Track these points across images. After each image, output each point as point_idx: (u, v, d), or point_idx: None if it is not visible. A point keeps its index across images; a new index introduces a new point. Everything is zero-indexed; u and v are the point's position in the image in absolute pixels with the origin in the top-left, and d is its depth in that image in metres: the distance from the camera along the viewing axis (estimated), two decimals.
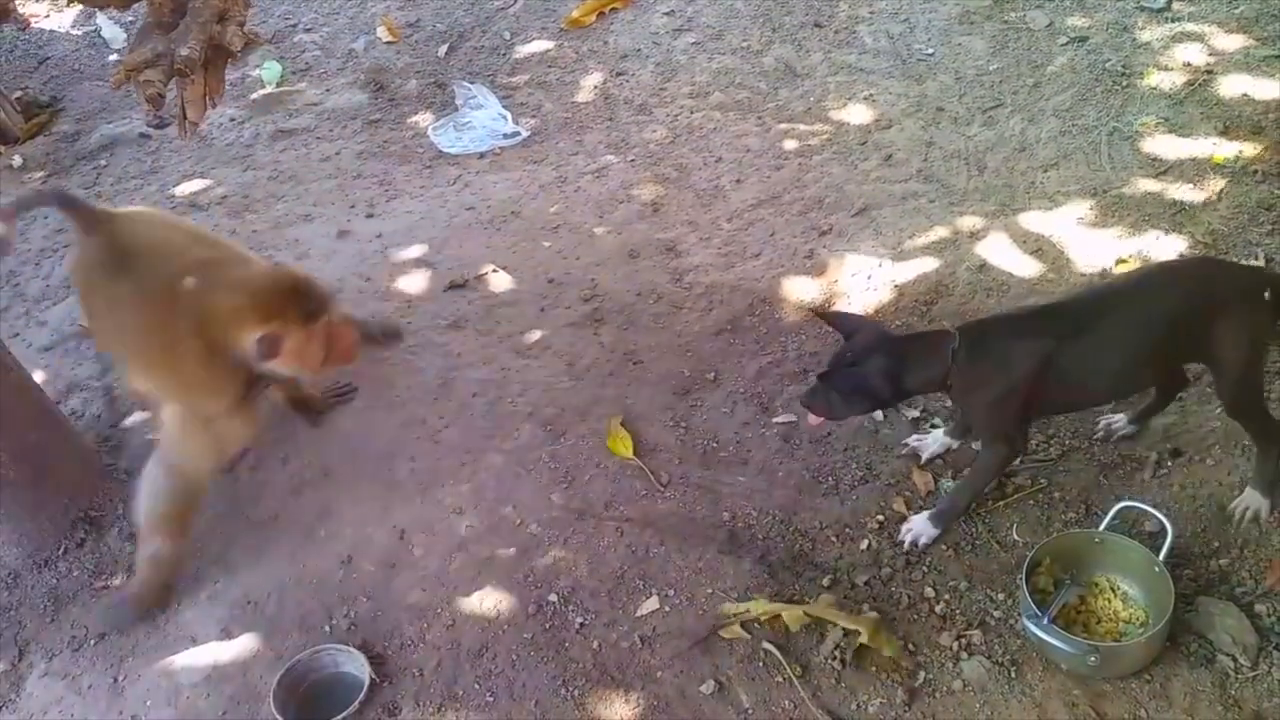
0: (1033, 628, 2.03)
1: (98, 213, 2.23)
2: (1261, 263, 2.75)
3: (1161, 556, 2.06)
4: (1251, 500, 2.21)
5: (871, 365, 2.06)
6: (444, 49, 4.30)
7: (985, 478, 2.25)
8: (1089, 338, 2.04)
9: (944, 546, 2.27)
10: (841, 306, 2.88)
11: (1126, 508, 2.18)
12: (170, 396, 2.25)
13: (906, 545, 2.26)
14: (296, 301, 2.08)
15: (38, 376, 2.80)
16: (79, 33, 4.79)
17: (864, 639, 2.07)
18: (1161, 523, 2.11)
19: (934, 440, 2.44)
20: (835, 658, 2.10)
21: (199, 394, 2.21)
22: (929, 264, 2.97)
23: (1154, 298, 2.10)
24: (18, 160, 4.01)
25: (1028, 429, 2.21)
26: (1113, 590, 2.15)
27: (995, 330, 2.13)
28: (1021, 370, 2.06)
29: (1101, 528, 2.15)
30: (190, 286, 2.08)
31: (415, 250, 3.31)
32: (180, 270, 2.12)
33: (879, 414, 2.57)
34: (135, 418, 2.86)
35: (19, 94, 4.31)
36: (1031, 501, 2.34)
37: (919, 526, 2.26)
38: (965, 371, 2.06)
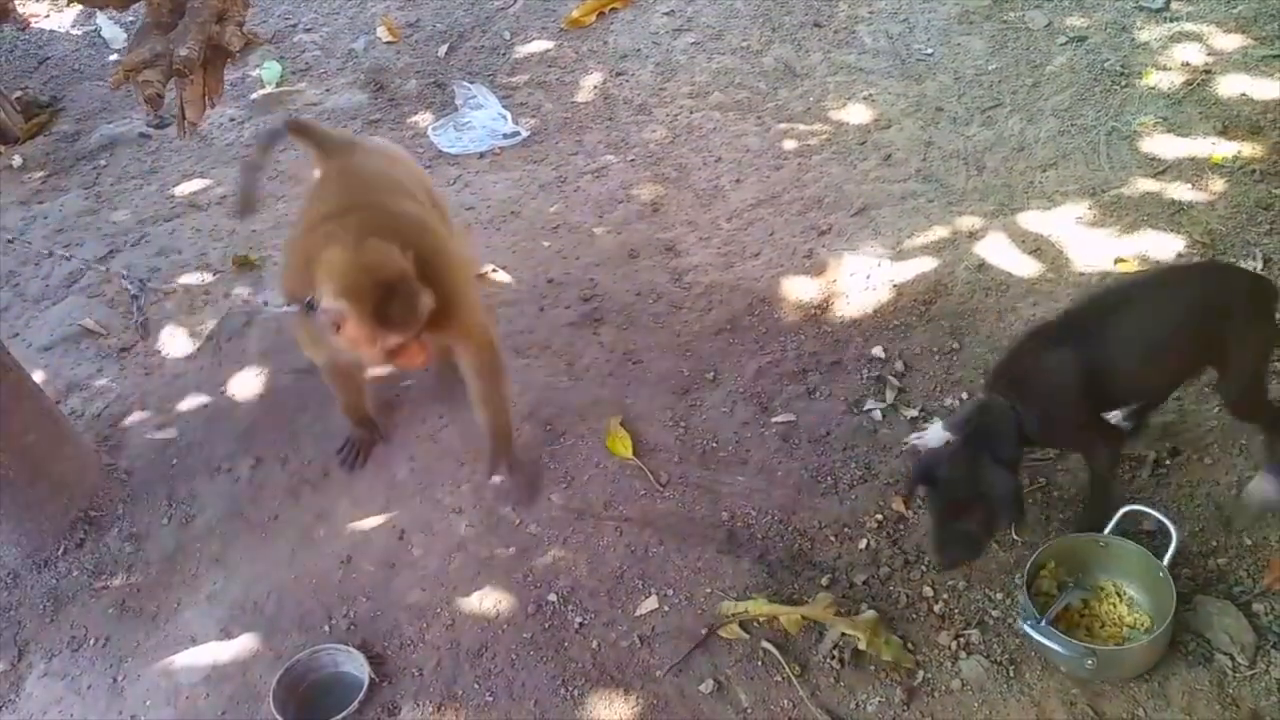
0: (1028, 629, 2.01)
1: (335, 141, 2.52)
2: (1260, 263, 2.75)
3: (1165, 562, 2.04)
4: (1268, 486, 2.19)
5: (999, 483, 2.00)
6: (444, 49, 4.31)
7: (1106, 484, 2.22)
8: (1115, 340, 2.04)
9: None
10: (840, 306, 2.88)
11: (1132, 511, 2.16)
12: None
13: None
14: (378, 300, 2.01)
15: (37, 376, 2.80)
16: (79, 33, 4.79)
17: (861, 644, 2.08)
18: (1166, 527, 2.09)
19: (933, 434, 2.44)
20: (834, 657, 2.10)
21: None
22: (928, 263, 2.97)
23: (1173, 297, 2.11)
24: (18, 160, 4.02)
25: (1105, 419, 2.20)
26: (1118, 595, 2.13)
27: (1032, 369, 2.09)
28: (1073, 389, 2.04)
29: (1107, 531, 2.14)
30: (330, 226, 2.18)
31: None
32: (357, 202, 2.25)
33: (877, 414, 2.58)
34: (134, 417, 2.87)
35: (19, 94, 4.31)
36: (1030, 500, 2.33)
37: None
38: (1035, 419, 2.04)
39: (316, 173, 2.52)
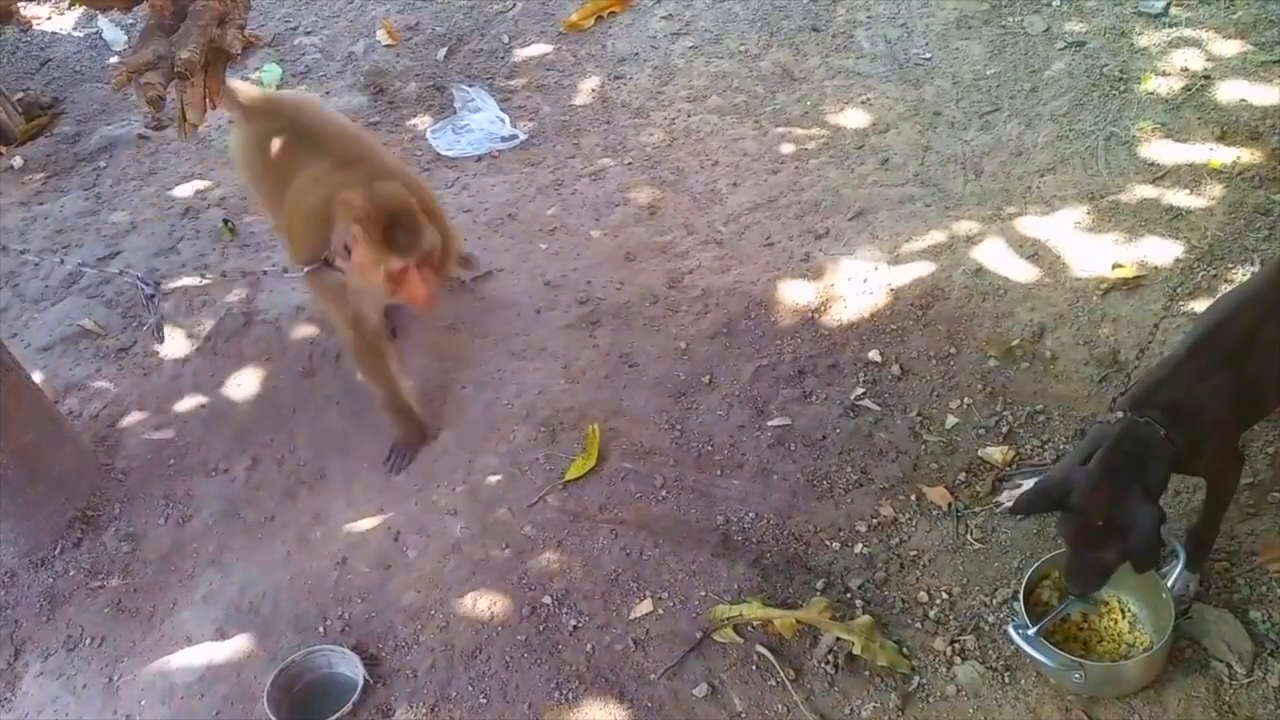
0: (1015, 637, 1.97)
1: (255, 100, 2.70)
2: (1257, 268, 2.75)
3: (1170, 583, 2.01)
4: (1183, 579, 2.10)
5: (1141, 516, 1.85)
6: (443, 52, 4.31)
7: (1227, 506, 2.10)
8: (1257, 349, 1.95)
9: (939, 550, 2.27)
10: (837, 310, 2.88)
11: None
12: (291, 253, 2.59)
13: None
14: (387, 226, 2.25)
15: (36, 377, 2.81)
16: (81, 35, 4.80)
17: (856, 649, 2.08)
18: (1176, 550, 2.04)
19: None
20: (828, 661, 2.11)
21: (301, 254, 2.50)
22: (925, 268, 2.97)
23: None
24: (19, 161, 4.03)
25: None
26: (1122, 611, 2.10)
27: (1179, 391, 1.95)
28: (1232, 412, 1.97)
29: None
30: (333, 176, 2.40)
31: None
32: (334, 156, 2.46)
33: (873, 418, 2.58)
34: (132, 418, 2.88)
35: (21, 95, 4.33)
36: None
37: (1184, 580, 2.09)
38: (1186, 443, 1.92)
39: (239, 133, 2.73)
